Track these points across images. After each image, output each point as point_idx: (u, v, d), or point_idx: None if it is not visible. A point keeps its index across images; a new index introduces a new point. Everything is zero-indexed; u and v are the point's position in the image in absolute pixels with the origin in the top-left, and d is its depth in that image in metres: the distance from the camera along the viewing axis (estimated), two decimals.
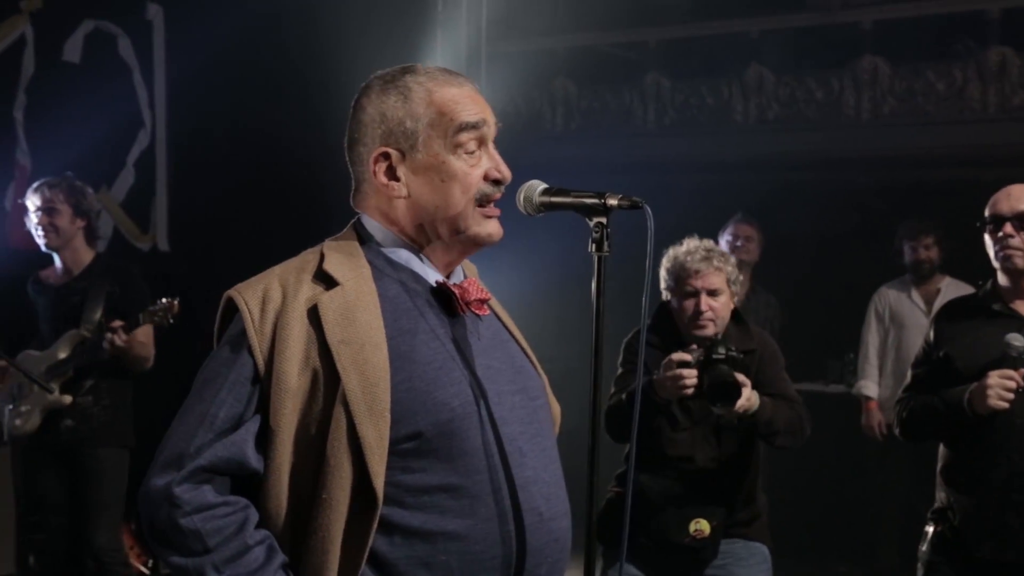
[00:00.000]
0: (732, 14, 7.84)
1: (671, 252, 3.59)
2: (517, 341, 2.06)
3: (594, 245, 1.90)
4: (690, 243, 3.58)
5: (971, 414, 3.17)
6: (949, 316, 3.43)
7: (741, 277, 3.65)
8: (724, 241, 6.10)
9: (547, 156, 7.52)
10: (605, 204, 1.91)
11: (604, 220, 1.91)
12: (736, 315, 3.61)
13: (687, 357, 3.40)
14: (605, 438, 3.19)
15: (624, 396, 3.54)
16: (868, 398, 6.20)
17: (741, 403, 3.33)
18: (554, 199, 1.96)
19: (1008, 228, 3.26)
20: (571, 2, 8.33)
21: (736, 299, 3.64)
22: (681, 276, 3.52)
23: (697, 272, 3.49)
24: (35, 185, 4.85)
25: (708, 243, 3.59)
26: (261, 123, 6.27)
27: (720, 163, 7.49)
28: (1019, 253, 3.26)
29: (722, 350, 3.35)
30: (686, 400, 3.48)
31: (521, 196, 1.98)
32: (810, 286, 7.06)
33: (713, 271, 3.49)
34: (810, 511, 6.63)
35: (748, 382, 3.36)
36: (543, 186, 1.98)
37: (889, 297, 6.21)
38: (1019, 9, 7.03)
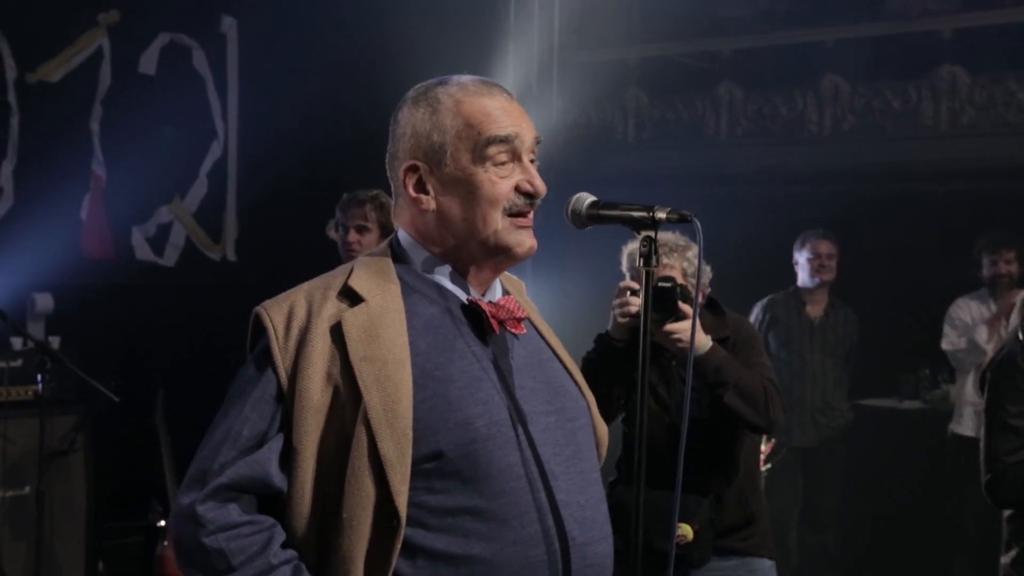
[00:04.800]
0: (807, 23, 7.73)
1: (624, 250, 3.39)
2: (561, 361, 1.99)
3: (642, 260, 1.86)
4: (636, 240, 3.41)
5: None
6: None
7: (708, 267, 3.46)
8: (804, 258, 5.94)
9: (618, 167, 7.49)
10: (653, 217, 1.87)
11: (652, 234, 1.86)
12: (712, 303, 3.40)
13: (635, 285, 3.20)
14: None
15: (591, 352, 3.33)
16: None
17: (678, 326, 3.10)
18: (602, 212, 1.91)
19: None
20: (644, 12, 8.28)
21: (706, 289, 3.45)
22: (633, 276, 3.32)
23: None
24: (346, 198, 4.59)
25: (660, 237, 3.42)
26: (330, 135, 6.31)
27: (794, 174, 7.37)
28: None
29: (669, 282, 3.13)
30: (659, 392, 3.31)
31: (569, 209, 1.93)
32: (885, 300, 6.91)
33: (660, 268, 3.17)
34: (884, 526, 6.50)
35: (691, 313, 3.10)
36: (591, 199, 1.93)
37: (969, 309, 6.05)
38: None
